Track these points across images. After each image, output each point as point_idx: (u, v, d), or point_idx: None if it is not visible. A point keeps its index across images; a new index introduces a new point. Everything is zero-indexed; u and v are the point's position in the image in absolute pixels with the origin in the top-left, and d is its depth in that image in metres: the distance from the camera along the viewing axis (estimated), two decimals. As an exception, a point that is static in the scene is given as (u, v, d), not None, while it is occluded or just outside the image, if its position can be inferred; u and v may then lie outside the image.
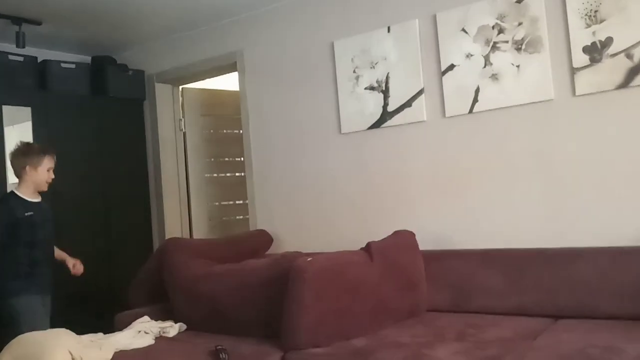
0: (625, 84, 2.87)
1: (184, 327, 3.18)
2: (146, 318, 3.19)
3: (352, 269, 2.89)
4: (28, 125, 4.25)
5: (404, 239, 3.24)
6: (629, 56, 2.85)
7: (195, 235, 4.96)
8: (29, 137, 4.22)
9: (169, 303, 3.36)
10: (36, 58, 4.35)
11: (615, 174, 2.92)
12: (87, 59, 4.90)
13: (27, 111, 4.26)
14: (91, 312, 3.84)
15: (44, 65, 4.41)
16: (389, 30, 3.61)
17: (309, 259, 2.79)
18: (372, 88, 3.69)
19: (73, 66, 4.55)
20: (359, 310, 2.83)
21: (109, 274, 4.51)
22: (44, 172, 3.31)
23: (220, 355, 2.65)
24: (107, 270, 4.51)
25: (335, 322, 2.74)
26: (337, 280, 2.80)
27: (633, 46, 2.83)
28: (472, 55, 3.31)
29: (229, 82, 5.05)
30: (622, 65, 2.86)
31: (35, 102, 4.30)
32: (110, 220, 4.63)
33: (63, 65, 4.49)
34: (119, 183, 4.73)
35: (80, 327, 2.89)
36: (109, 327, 3.23)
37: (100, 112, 4.67)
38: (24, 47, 4.12)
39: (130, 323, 3.14)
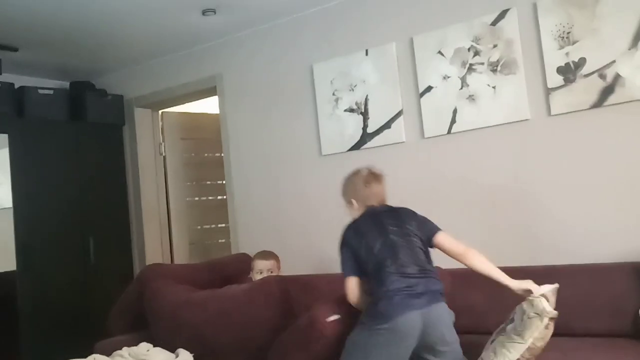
0: (599, 103, 2.91)
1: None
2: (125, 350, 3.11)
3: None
4: (5, 153, 4.21)
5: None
6: (602, 76, 2.90)
7: (177, 260, 4.91)
8: (5, 164, 4.18)
9: (150, 330, 3.32)
10: (13, 84, 4.32)
11: (590, 192, 2.95)
12: (66, 84, 4.87)
13: (4, 138, 4.22)
14: (70, 340, 3.78)
15: (22, 91, 4.37)
16: (367, 54, 3.65)
17: (331, 319, 2.55)
18: (351, 110, 3.71)
19: (51, 92, 4.52)
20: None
21: (88, 301, 4.43)
22: None
23: (202, 382, 2.62)
24: (86, 297, 4.44)
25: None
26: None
27: (605, 66, 2.88)
28: (448, 77, 3.34)
29: (209, 105, 5.05)
30: (596, 85, 2.91)
31: (12, 129, 4.26)
32: (89, 247, 4.56)
33: (41, 91, 4.45)
34: (99, 209, 4.68)
35: (59, 355, 2.85)
36: (88, 355, 3.16)
37: (79, 137, 4.64)
38: (0, 74, 4.09)
39: (110, 352, 3.08)
